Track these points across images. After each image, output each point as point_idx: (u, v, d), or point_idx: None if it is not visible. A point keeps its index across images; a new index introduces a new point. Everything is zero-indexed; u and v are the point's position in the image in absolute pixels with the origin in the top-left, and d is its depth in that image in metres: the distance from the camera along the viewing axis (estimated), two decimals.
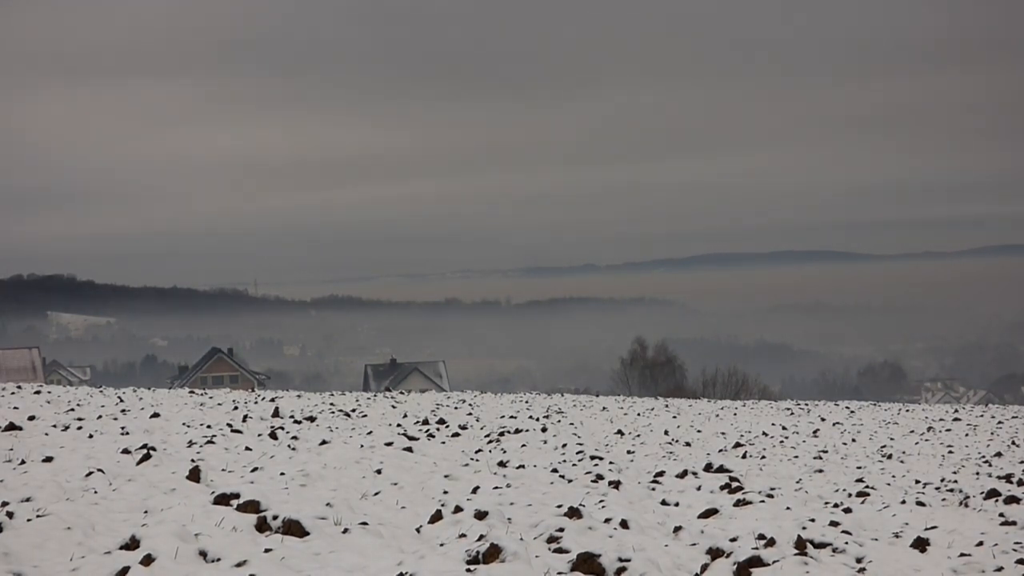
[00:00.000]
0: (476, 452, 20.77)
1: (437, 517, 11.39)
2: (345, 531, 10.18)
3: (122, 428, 21.10)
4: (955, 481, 20.24)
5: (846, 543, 10.71)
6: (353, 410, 30.65)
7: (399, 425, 25.78)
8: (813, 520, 12.95)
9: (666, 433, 29.63)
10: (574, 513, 11.22)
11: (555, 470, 17.88)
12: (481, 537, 9.79)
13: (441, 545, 10.04)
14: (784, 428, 34.17)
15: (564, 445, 23.20)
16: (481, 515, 11.09)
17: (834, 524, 12.57)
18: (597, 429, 29.65)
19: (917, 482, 20.15)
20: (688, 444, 26.44)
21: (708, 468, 18.95)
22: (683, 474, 17.87)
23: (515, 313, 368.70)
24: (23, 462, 14.84)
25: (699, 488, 16.45)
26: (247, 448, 18.46)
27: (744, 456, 23.96)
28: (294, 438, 20.80)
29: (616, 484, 15.70)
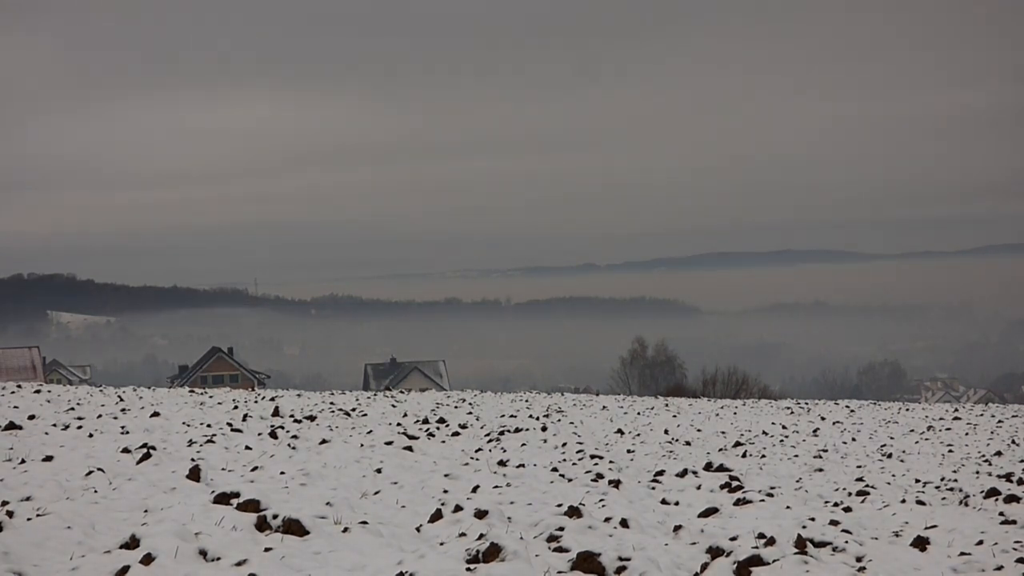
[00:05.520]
0: (476, 451, 20.77)
1: (437, 516, 11.39)
2: (345, 530, 10.17)
3: (122, 427, 21.11)
4: (955, 480, 20.25)
5: (846, 542, 10.71)
6: (353, 409, 30.65)
7: (399, 424, 25.79)
8: (813, 519, 12.95)
9: (666, 432, 29.63)
10: (574, 512, 11.22)
11: (555, 469, 17.89)
12: (481, 536, 9.79)
13: (441, 544, 10.05)
14: (784, 427, 34.18)
15: (564, 444, 23.22)
16: (481, 514, 11.09)
17: (834, 523, 12.57)
18: (597, 428, 29.66)
19: (917, 481, 20.15)
20: (688, 443, 26.45)
21: (708, 467, 18.96)
22: (683, 473, 17.87)
23: (515, 313, 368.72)
24: (23, 461, 14.85)
25: (699, 487, 16.46)
26: (247, 447, 18.46)
27: (744, 455, 23.96)
28: (294, 437, 20.81)
29: (616, 483, 15.71)
